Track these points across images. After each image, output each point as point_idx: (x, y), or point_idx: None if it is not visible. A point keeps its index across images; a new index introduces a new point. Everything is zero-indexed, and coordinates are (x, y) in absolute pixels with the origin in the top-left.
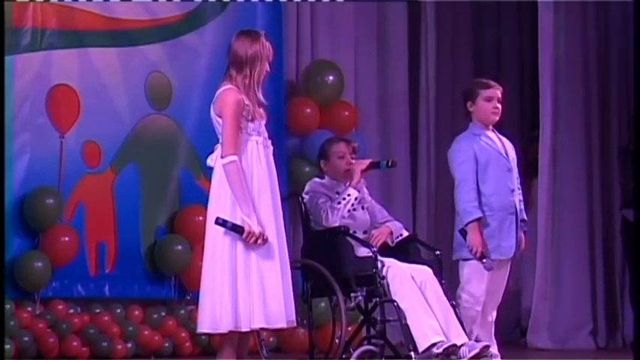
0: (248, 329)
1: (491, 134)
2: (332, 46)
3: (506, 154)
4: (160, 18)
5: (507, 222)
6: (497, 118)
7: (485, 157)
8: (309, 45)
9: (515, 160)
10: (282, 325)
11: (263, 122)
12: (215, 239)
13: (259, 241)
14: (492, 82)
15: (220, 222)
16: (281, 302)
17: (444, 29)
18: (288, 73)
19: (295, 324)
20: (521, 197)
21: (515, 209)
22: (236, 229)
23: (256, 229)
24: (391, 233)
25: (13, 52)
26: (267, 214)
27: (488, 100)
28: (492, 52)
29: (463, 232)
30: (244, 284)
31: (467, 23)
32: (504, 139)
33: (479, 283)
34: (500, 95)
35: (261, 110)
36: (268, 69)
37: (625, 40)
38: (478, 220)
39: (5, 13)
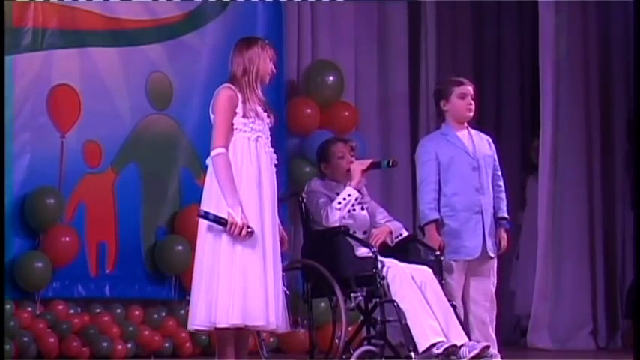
0: (225, 325)
1: (461, 133)
2: (332, 46)
3: (474, 152)
4: (160, 18)
5: (472, 222)
6: (472, 114)
7: (447, 157)
8: (310, 45)
9: (491, 157)
10: (261, 323)
11: (262, 121)
12: (201, 236)
13: (243, 233)
14: (464, 79)
15: (202, 214)
16: (262, 301)
17: (444, 29)
18: (289, 73)
19: (275, 327)
20: (501, 195)
21: (481, 209)
22: (219, 221)
23: (239, 221)
24: (391, 233)
25: (13, 52)
26: (253, 211)
27: (462, 97)
28: (492, 52)
29: (422, 231)
30: (226, 280)
31: (467, 23)
32: (479, 137)
33: (455, 280)
34: (472, 92)
35: (259, 109)
36: (274, 69)
37: (625, 40)
38: (435, 221)
39: (5, 13)
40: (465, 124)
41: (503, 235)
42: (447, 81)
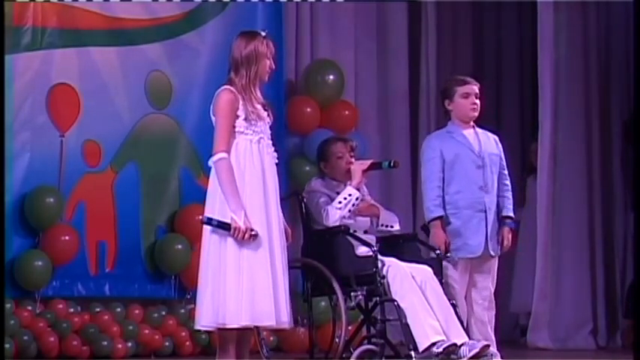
0: (235, 325)
1: (467, 131)
2: (332, 46)
3: (479, 150)
4: (160, 17)
5: (475, 220)
6: (477, 114)
7: (452, 155)
8: (309, 44)
9: (497, 155)
10: (272, 323)
11: (263, 122)
12: (206, 238)
13: (246, 237)
14: (468, 79)
15: (206, 220)
16: (271, 301)
17: (444, 29)
18: (288, 73)
19: (287, 325)
20: (506, 194)
21: (485, 207)
22: (222, 226)
23: (242, 225)
24: (378, 216)
25: (13, 52)
26: (259, 213)
27: (466, 96)
28: (492, 52)
29: (426, 230)
30: (234, 281)
31: (467, 23)
32: (486, 135)
33: (458, 278)
34: (477, 91)
35: (260, 109)
36: (273, 66)
37: (625, 39)
38: (440, 218)
39: (5, 12)
40: (472, 123)
41: (507, 234)
42: (451, 80)
